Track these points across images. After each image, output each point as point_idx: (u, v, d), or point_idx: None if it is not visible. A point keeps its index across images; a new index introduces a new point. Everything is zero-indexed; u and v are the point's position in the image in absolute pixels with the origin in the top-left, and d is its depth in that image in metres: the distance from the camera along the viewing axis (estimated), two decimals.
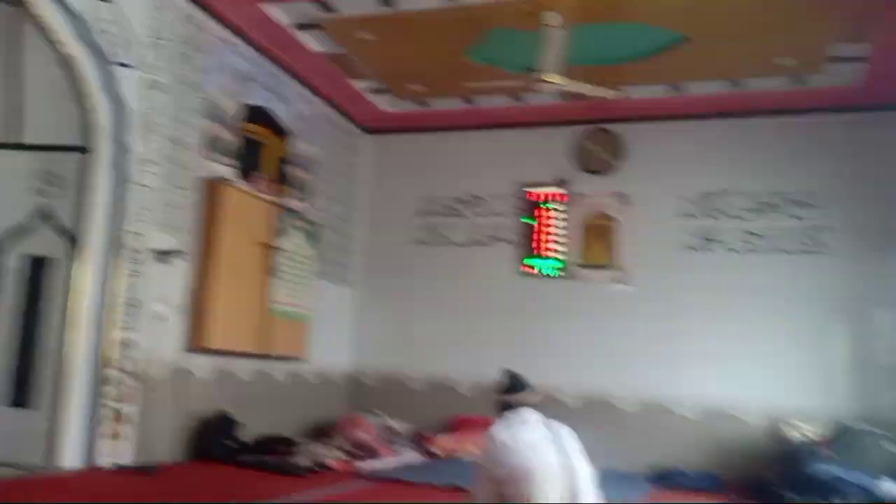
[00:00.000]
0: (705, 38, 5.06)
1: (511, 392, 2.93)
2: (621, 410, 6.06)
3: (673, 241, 6.20)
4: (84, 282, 3.99)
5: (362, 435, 5.54)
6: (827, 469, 4.57)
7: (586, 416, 5.74)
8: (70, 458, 3.88)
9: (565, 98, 6.04)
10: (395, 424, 6.06)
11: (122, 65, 4.12)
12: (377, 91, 6.46)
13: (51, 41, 3.85)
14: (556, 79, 4.96)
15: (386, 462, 5.19)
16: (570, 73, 5.03)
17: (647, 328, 6.07)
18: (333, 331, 6.54)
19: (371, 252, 7.10)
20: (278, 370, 5.74)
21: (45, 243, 4.10)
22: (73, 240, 4.05)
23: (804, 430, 5.35)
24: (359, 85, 6.30)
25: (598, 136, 6.57)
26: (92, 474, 3.86)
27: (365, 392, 6.74)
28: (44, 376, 3.97)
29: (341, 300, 6.79)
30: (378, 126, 7.14)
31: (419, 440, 5.95)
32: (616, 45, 5.29)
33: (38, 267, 4.11)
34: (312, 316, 5.99)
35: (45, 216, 4.12)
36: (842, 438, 5.14)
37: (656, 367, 6.01)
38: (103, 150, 4.08)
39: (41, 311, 4.06)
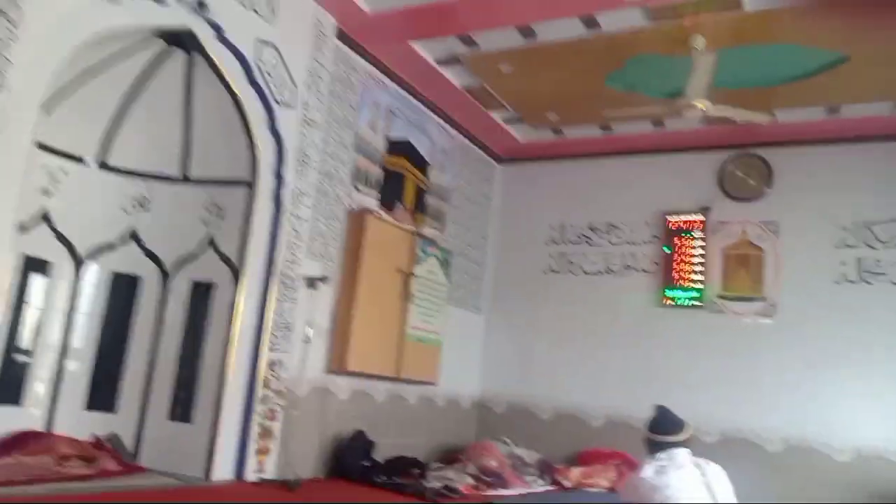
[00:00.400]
0: (867, 58, 4.84)
1: (662, 430, 2.92)
2: (763, 449, 5.82)
3: (826, 272, 5.90)
4: (242, 305, 4.35)
5: (491, 462, 5.62)
6: None
7: (724, 453, 5.49)
8: (222, 470, 4.20)
9: (710, 123, 5.96)
10: (524, 453, 6.13)
11: (283, 104, 4.52)
12: (513, 121, 6.66)
13: (221, 84, 4.28)
14: (702, 104, 4.95)
15: (514, 490, 5.28)
16: (716, 97, 5.01)
17: (794, 364, 5.82)
18: (463, 356, 6.73)
19: (502, 279, 7.24)
20: (410, 393, 5.99)
21: (209, 269, 4.50)
22: (233, 266, 4.44)
23: None
24: (495, 115, 6.53)
25: (744, 162, 6.40)
26: (240, 487, 4.17)
27: (492, 419, 6.86)
28: (203, 393, 4.34)
29: (471, 326, 6.97)
30: (513, 155, 7.31)
31: (547, 470, 5.98)
32: (766, 67, 5.16)
33: (201, 291, 4.53)
34: (444, 341, 6.19)
35: (211, 244, 4.54)
36: None
37: (804, 405, 5.74)
38: (264, 184, 4.46)
39: (203, 333, 4.45)
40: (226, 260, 4.49)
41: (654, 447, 2.89)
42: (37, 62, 3.25)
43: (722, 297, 6.28)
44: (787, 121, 5.88)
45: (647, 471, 2.80)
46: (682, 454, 2.83)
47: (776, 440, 5.82)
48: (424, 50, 5.42)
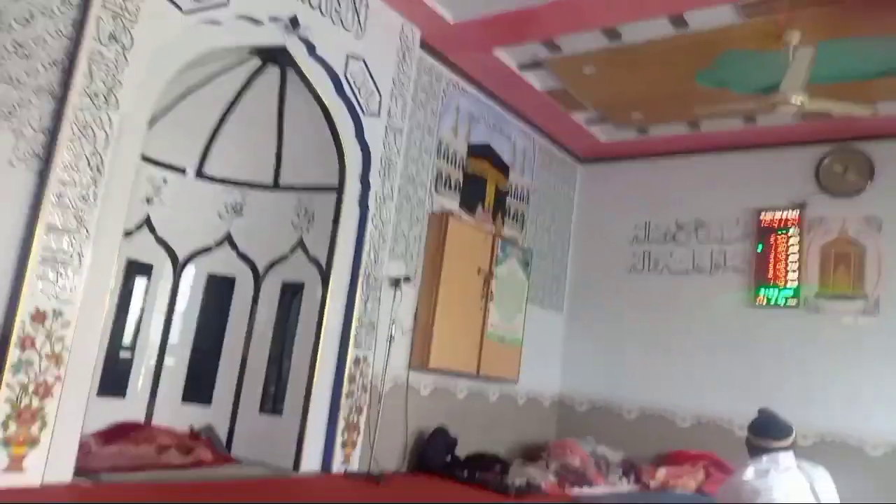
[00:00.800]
0: None
1: (767, 434, 2.75)
2: (864, 452, 5.45)
3: None
4: (330, 305, 4.45)
5: (575, 460, 5.54)
6: None
7: (821, 456, 5.27)
8: (310, 462, 4.32)
9: (805, 118, 5.67)
10: (608, 452, 5.98)
11: (369, 114, 4.61)
12: (595, 122, 6.50)
13: (312, 97, 4.41)
14: (800, 98, 4.73)
15: (598, 489, 5.18)
16: (812, 91, 4.76)
17: None
18: (544, 355, 6.65)
19: (583, 279, 7.10)
20: (491, 391, 5.97)
21: (299, 270, 4.66)
22: (322, 268, 4.55)
23: None
24: (578, 117, 6.39)
25: (843, 156, 6.00)
26: (328, 479, 4.27)
27: (574, 417, 6.74)
28: (293, 387, 4.48)
29: (552, 325, 6.87)
30: (594, 155, 7.16)
31: (632, 470, 5.80)
32: (864, 60, 4.83)
33: (291, 291, 4.69)
34: (524, 340, 6.15)
35: (301, 247, 4.69)
36: None
37: None
38: (351, 190, 4.57)
39: (292, 331, 4.61)
40: (314, 262, 4.61)
41: (758, 451, 2.71)
42: (145, 83, 3.44)
43: (820, 295, 5.93)
44: (889, 113, 5.47)
45: (749, 473, 2.66)
46: (786, 458, 2.67)
47: (879, 443, 5.43)
48: (507, 56, 5.37)
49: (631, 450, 6.13)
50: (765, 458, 2.68)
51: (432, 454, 5.04)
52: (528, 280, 6.27)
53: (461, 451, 5.22)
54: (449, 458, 5.09)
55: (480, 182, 5.89)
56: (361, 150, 4.62)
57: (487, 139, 5.98)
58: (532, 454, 5.88)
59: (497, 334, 5.81)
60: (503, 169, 6.18)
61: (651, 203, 6.88)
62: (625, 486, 5.52)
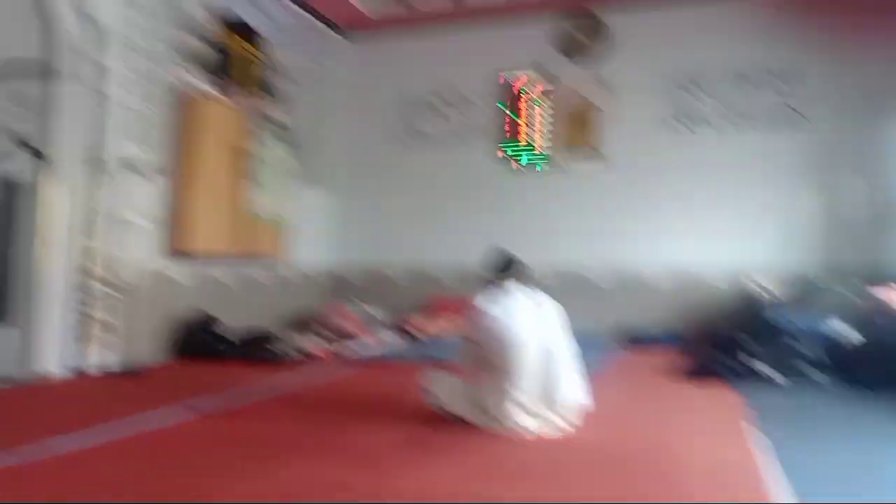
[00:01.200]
0: None
1: (497, 267, 3.07)
2: (595, 284, 6.27)
3: (655, 123, 6.22)
4: (58, 199, 3.98)
5: (343, 322, 5.75)
6: (780, 315, 4.70)
7: (561, 291, 5.92)
8: (57, 367, 4.02)
9: None
10: (375, 311, 6.31)
11: None
12: None
13: None
14: None
15: (367, 346, 5.44)
16: None
17: (625, 207, 6.23)
18: (314, 231, 6.62)
19: (350, 154, 7.07)
20: (259, 271, 5.86)
21: (17, 165, 4.03)
22: (44, 159, 4.00)
23: (765, 285, 5.50)
24: None
25: (581, 23, 6.41)
26: (78, 381, 3.98)
27: (346, 286, 6.92)
28: (24, 292, 4.02)
29: (321, 202, 6.82)
30: (357, 28, 6.88)
31: (399, 325, 6.18)
32: None
33: (9, 189, 4.06)
34: (292, 218, 6.05)
35: (17, 137, 4.03)
36: (799, 288, 5.42)
37: (633, 242, 6.21)
38: (76, 69, 3.96)
39: (18, 232, 4.07)
40: (37, 153, 4.02)
41: (491, 283, 3.04)
42: None
43: (560, 151, 6.48)
44: None
45: (480, 300, 2.97)
46: (514, 286, 3.00)
47: (607, 275, 6.27)
48: None
49: (402, 308, 6.50)
50: (497, 288, 3.00)
51: (195, 339, 4.91)
52: (294, 159, 6.07)
53: (231, 333, 5.11)
54: (215, 340, 4.97)
55: (235, 59, 5.39)
56: (84, 22, 3.98)
57: (241, 11, 5.43)
58: (304, 325, 5.97)
59: (261, 214, 5.63)
60: (261, 44, 5.70)
61: (413, 76, 6.90)
62: (393, 340, 5.86)
